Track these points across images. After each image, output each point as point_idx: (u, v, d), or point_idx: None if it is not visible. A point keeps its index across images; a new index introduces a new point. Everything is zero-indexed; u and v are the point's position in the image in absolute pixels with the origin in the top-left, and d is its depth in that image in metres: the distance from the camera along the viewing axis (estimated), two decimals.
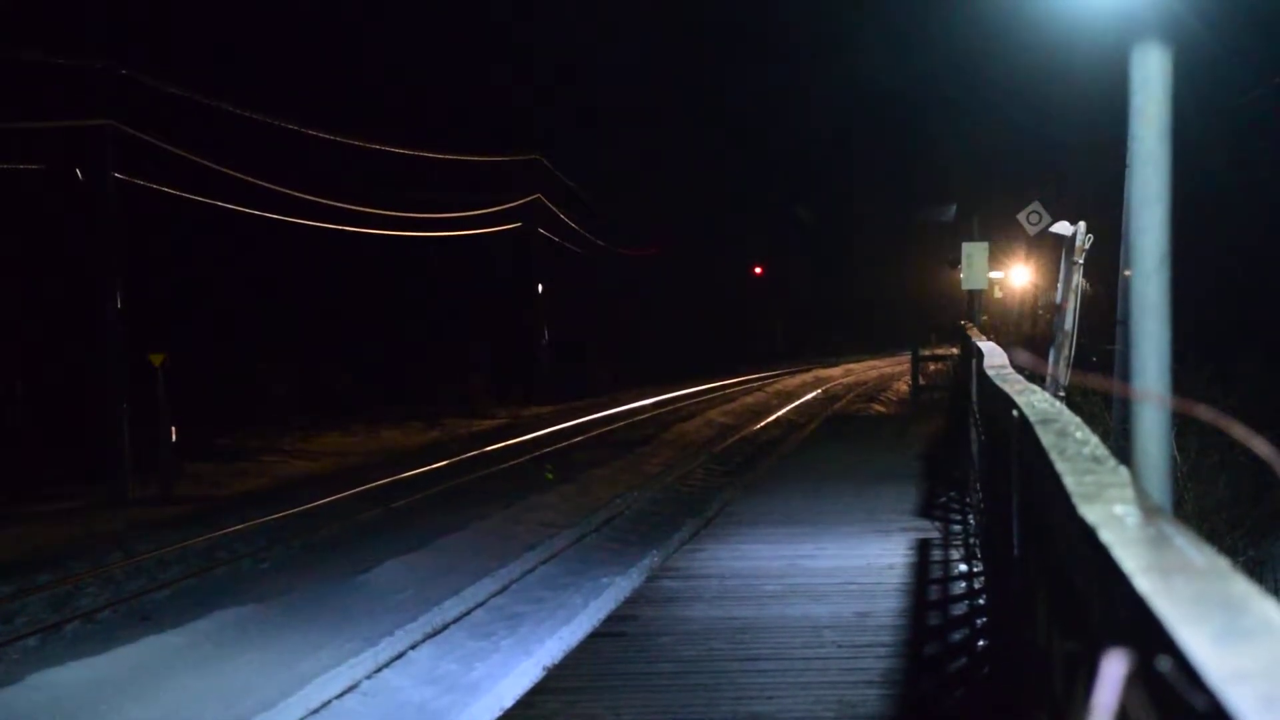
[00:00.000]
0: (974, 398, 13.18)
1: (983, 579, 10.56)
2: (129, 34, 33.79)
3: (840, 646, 9.24)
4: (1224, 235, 30.00)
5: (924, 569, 12.12)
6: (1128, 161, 7.12)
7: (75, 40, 27.45)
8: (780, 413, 38.12)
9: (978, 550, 11.67)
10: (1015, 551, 5.53)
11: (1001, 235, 35.38)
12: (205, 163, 29.30)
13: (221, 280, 42.96)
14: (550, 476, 25.33)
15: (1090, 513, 2.32)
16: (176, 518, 23.39)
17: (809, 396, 44.67)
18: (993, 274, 50.37)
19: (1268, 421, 15.69)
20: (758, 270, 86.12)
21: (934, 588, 11.30)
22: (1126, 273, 8.21)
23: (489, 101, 57.39)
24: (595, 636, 10.25)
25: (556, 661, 10.69)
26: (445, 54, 55.31)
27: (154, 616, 15.43)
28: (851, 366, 62.84)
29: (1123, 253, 9.31)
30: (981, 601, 10.08)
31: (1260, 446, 1.97)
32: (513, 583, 16.55)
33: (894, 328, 55.42)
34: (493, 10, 59.33)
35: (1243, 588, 1.68)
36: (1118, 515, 2.28)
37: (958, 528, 14.03)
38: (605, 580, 16.56)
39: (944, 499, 16.24)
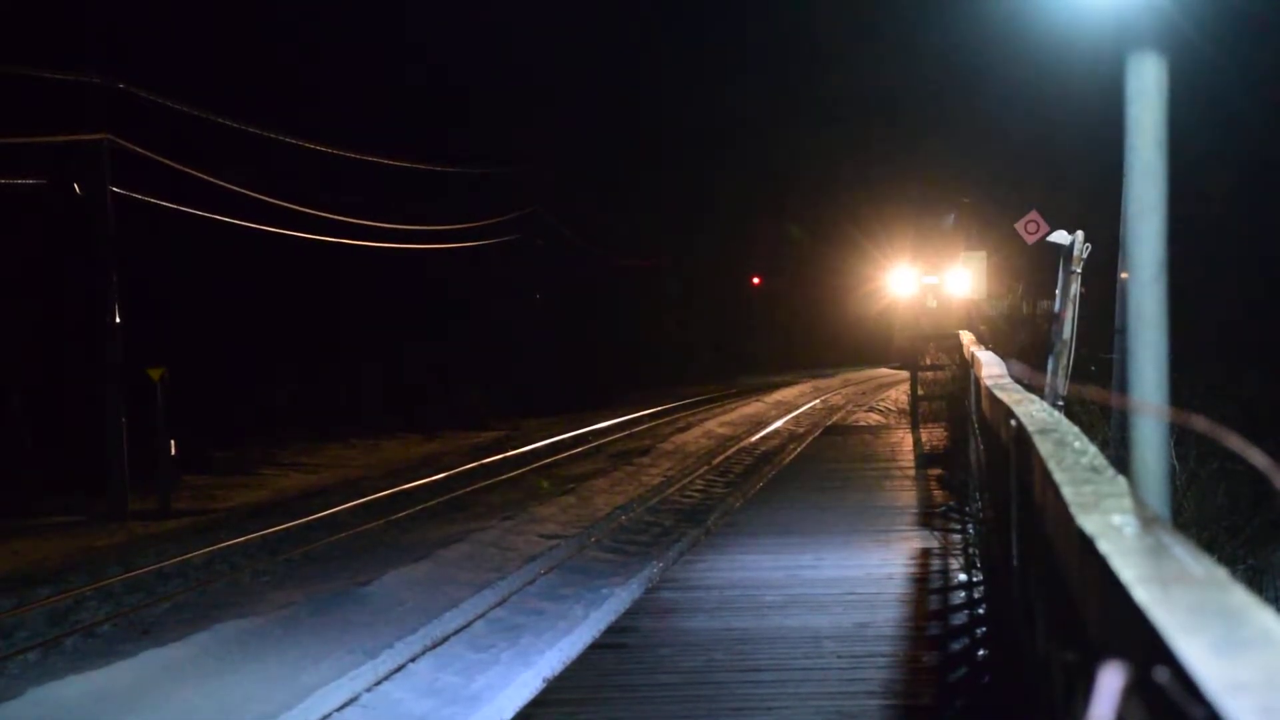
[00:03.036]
0: (972, 407, 13.18)
1: (982, 589, 10.55)
2: (127, 48, 33.77)
3: (840, 657, 9.23)
4: (1223, 246, 30.01)
5: (924, 579, 12.12)
6: (1124, 172, 7.13)
7: (73, 55, 27.43)
8: (779, 423, 38.11)
9: (977, 560, 11.67)
10: (1014, 561, 5.54)
11: (1000, 243, 35.32)
12: (202, 175, 29.32)
13: (220, 293, 42.92)
14: (545, 485, 25.28)
15: (1088, 522, 2.33)
16: (176, 531, 23.40)
17: (807, 406, 44.66)
18: (926, 279, 49.38)
19: (1268, 431, 15.71)
20: (756, 281, 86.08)
21: (934, 598, 11.29)
22: (1123, 275, 8.21)
23: (488, 110, 57.41)
24: (595, 648, 10.24)
25: (556, 673, 10.69)
26: (446, 65, 55.36)
27: (154, 630, 15.42)
28: (850, 376, 62.75)
29: (1120, 261, 9.33)
30: (981, 611, 10.08)
31: (1257, 457, 1.97)
32: (512, 594, 16.54)
33: (893, 337, 55.17)
34: (493, 17, 59.37)
35: (1241, 598, 1.68)
36: (1116, 525, 2.28)
37: (957, 537, 14.02)
38: (605, 591, 16.55)
39: (943, 508, 16.23)
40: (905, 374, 48.65)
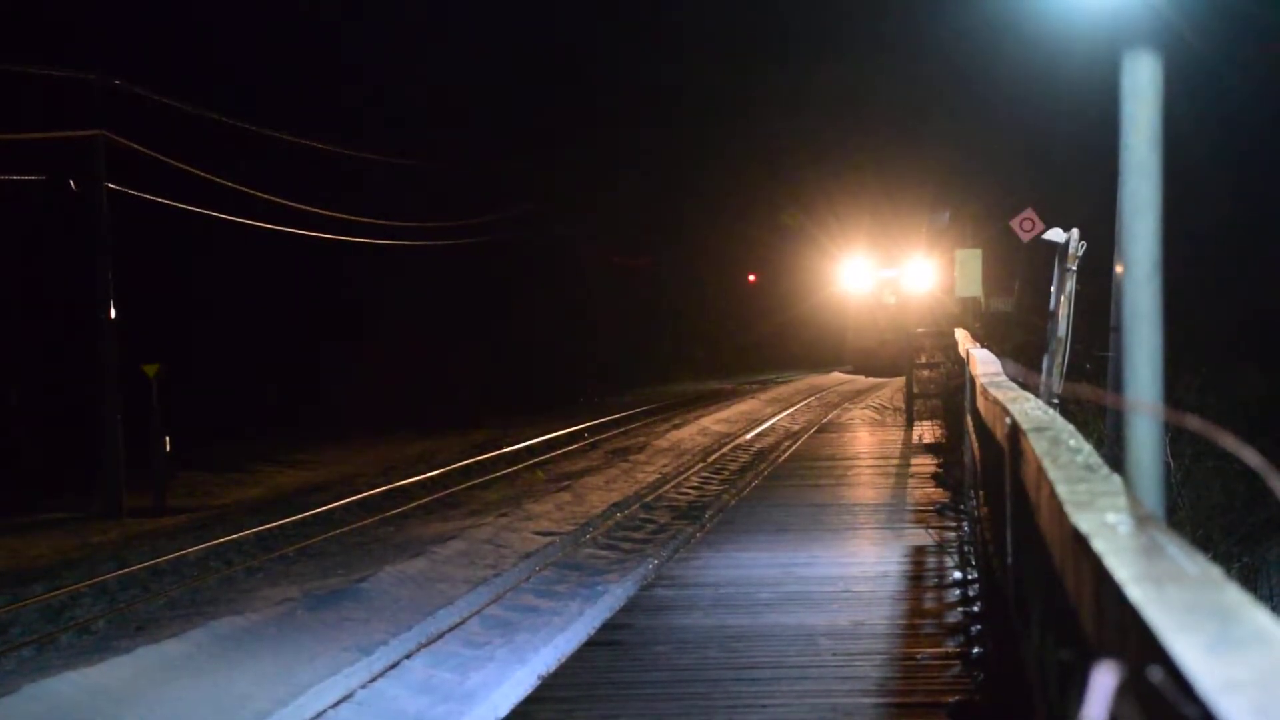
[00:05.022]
0: (968, 405, 13.19)
1: (977, 586, 10.56)
2: (122, 45, 33.79)
3: (835, 654, 9.24)
4: (1219, 243, 30.05)
5: (919, 576, 12.12)
6: (1119, 170, 7.12)
7: (69, 51, 27.46)
8: (774, 419, 38.11)
9: (972, 557, 11.67)
10: (1009, 559, 5.53)
11: (995, 241, 35.23)
12: (198, 172, 29.29)
13: (217, 290, 42.95)
14: (541, 475, 25.19)
15: (1083, 521, 2.32)
16: (171, 528, 23.39)
17: (802, 403, 44.64)
18: (883, 273, 47.01)
19: (1263, 429, 15.73)
20: (751, 278, 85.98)
21: (929, 595, 11.30)
22: (1118, 269, 8.22)
23: (484, 108, 57.47)
24: (590, 645, 10.24)
25: (551, 670, 10.68)
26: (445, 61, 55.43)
27: (149, 627, 15.42)
28: (846, 375, 62.70)
29: (1115, 258, 9.33)
30: (976, 609, 10.08)
31: (1251, 457, 1.97)
32: (507, 591, 16.54)
33: (846, 338, 53.83)
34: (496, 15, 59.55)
35: (1235, 596, 1.68)
36: (1110, 523, 2.28)
37: (952, 535, 14.03)
38: (600, 588, 16.56)
39: (939, 506, 16.24)
40: (889, 376, 46.93)
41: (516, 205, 50.34)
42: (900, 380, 42.18)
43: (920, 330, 33.34)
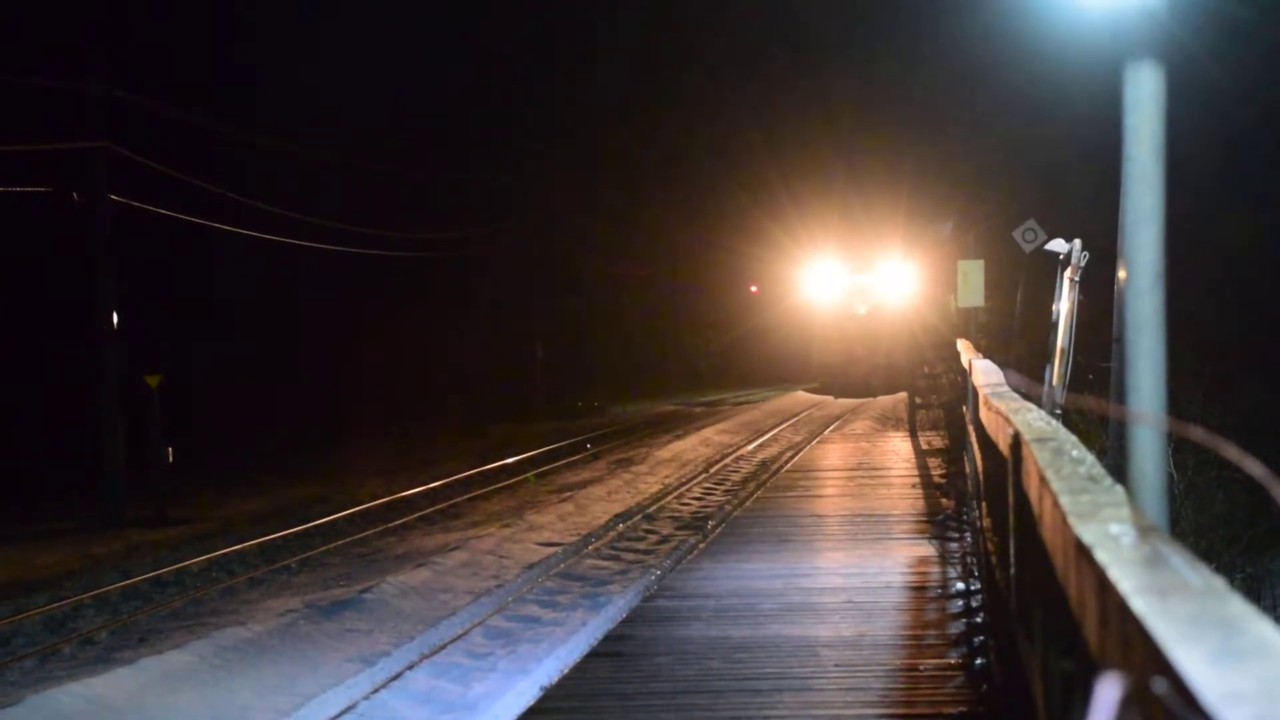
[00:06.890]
0: (970, 416, 13.18)
1: (980, 597, 10.55)
2: (126, 57, 33.82)
3: (838, 666, 9.23)
4: (1220, 250, 30.05)
5: (922, 587, 12.11)
6: (1122, 180, 7.12)
7: (72, 63, 27.45)
8: (775, 430, 38.10)
9: (975, 568, 11.67)
10: (1012, 570, 5.53)
11: (995, 250, 35.13)
12: (205, 185, 29.34)
13: (221, 299, 42.98)
14: (531, 479, 25.09)
15: (1086, 531, 2.32)
16: (173, 539, 23.37)
17: (803, 414, 44.60)
18: (856, 277, 43.89)
19: (1265, 439, 15.71)
20: (753, 289, 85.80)
21: (931, 606, 11.29)
22: (1121, 274, 8.22)
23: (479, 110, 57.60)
24: (592, 656, 10.23)
25: (553, 681, 10.67)
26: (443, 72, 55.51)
27: (151, 638, 15.41)
28: (813, 396, 62.37)
29: (1118, 268, 9.33)
30: (979, 620, 10.08)
31: (1254, 467, 1.97)
32: (510, 602, 16.53)
33: (811, 352, 52.06)
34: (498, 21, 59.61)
35: (1239, 607, 1.68)
36: (1113, 534, 2.28)
37: (955, 545, 14.02)
38: (602, 599, 16.54)
39: (941, 516, 16.23)
40: (860, 397, 44.81)
41: (511, 215, 50.42)
42: (876, 403, 41.69)
43: (900, 347, 32.80)
